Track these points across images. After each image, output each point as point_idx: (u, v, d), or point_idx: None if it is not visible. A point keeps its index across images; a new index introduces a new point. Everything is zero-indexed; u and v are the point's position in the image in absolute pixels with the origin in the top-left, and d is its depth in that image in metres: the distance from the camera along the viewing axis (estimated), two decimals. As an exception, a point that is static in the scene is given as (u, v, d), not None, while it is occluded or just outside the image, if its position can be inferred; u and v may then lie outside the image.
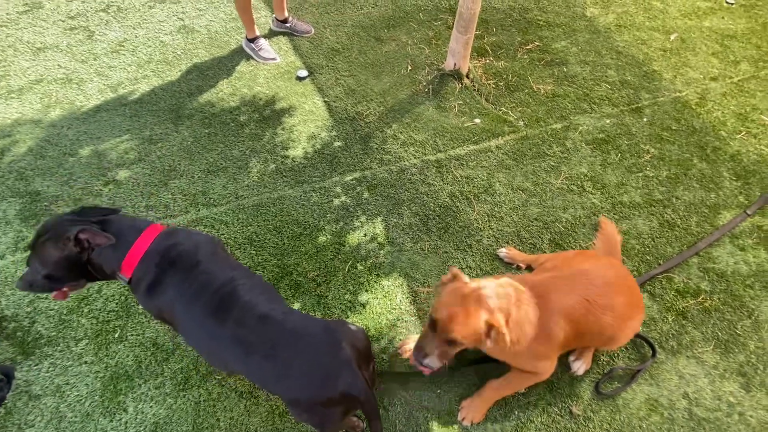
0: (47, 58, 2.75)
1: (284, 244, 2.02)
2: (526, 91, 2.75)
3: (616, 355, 1.74)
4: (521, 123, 2.56)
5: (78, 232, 1.18)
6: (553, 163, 2.36)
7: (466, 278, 1.31)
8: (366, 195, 2.21)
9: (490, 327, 1.22)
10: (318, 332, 1.17)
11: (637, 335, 1.75)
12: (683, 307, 1.86)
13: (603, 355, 1.74)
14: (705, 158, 2.41)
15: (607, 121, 2.57)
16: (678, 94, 2.74)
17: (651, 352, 1.73)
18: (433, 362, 1.28)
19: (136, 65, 2.75)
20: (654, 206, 2.19)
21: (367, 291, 1.89)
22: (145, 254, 1.22)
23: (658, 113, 2.63)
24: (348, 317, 1.81)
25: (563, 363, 1.69)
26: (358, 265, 1.96)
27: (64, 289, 1.27)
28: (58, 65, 2.71)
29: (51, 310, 1.76)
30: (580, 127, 2.54)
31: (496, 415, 1.59)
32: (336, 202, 2.18)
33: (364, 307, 1.84)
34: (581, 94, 2.73)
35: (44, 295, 1.79)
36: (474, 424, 1.57)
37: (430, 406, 1.61)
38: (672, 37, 3.13)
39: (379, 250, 2.01)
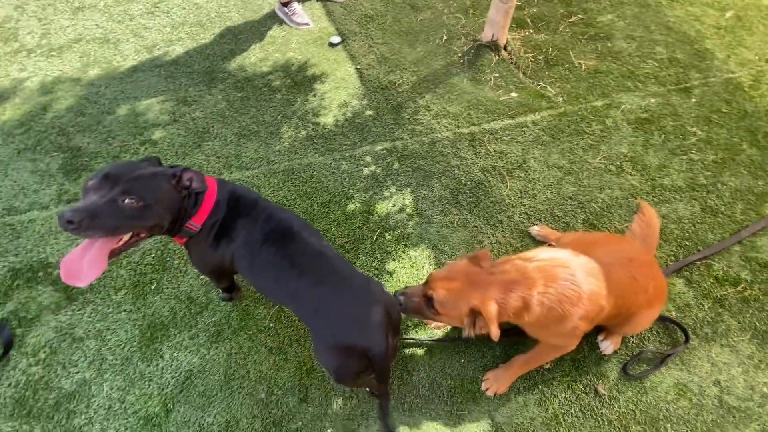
0: (86, 17, 2.78)
1: (314, 210, 2.03)
2: (567, 66, 2.63)
3: (646, 337, 1.71)
4: (560, 99, 2.46)
5: (182, 171, 1.13)
6: (591, 142, 2.27)
7: (489, 264, 1.24)
8: (396, 165, 2.19)
9: (475, 313, 1.18)
10: (363, 284, 1.21)
11: (671, 320, 1.71)
12: (721, 295, 1.79)
13: (633, 337, 1.70)
14: (755, 144, 2.27)
15: (652, 101, 2.44)
16: (730, 75, 2.57)
17: (683, 337, 1.69)
18: (401, 300, 1.30)
19: (171, 27, 2.75)
20: (697, 191, 2.10)
21: (394, 260, 1.89)
22: (216, 200, 1.26)
23: (708, 94, 2.47)
24: (375, 284, 1.83)
25: (591, 341, 1.67)
26: (386, 234, 1.96)
27: (126, 239, 1.11)
28: (96, 25, 2.73)
29: (92, 260, 1.84)
30: (623, 106, 2.42)
31: (519, 387, 1.60)
32: (366, 171, 2.17)
33: (391, 275, 1.85)
34: (626, 71, 2.59)
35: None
36: (497, 395, 1.58)
37: (454, 374, 1.63)
38: (727, 15, 2.91)
39: (407, 221, 2.00)
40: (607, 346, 1.65)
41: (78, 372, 1.60)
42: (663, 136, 2.29)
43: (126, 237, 1.11)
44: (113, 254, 1.10)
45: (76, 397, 1.55)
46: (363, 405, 1.56)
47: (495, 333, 1.16)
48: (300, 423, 1.52)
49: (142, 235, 1.15)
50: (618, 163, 2.19)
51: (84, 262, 1.05)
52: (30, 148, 2.17)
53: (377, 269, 1.86)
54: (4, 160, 2.13)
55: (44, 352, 1.63)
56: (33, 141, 2.20)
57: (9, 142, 2.19)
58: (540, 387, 1.60)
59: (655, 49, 2.69)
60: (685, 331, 1.69)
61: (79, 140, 2.22)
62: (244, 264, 1.28)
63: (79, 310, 1.72)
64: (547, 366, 1.64)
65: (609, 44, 2.72)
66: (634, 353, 1.66)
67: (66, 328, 1.69)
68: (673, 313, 1.76)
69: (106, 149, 2.19)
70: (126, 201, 1.05)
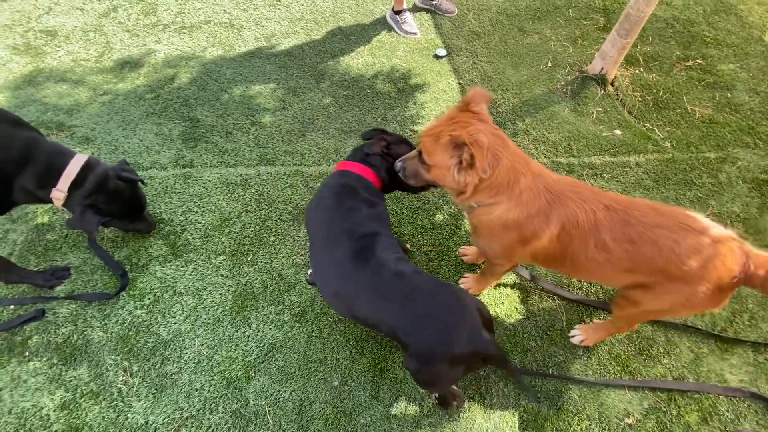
0: (216, 2, 3.03)
1: (402, 213, 2.07)
2: (679, 111, 2.50)
3: (743, 415, 1.58)
4: (668, 144, 2.35)
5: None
6: (700, 194, 2.14)
7: (481, 109, 1.19)
8: (488, 184, 2.18)
9: (460, 144, 1.11)
10: (449, 294, 1.22)
11: (763, 398, 1.57)
12: (837, 387, 1.62)
13: (728, 411, 1.58)
14: None
15: (774, 162, 2.27)
16: None
17: (784, 423, 1.54)
18: (400, 165, 1.38)
19: (289, 20, 2.93)
20: (818, 267, 1.91)
21: (476, 278, 1.88)
22: None
23: (841, 165, 2.26)
24: (454, 298, 1.83)
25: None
26: (471, 250, 1.96)
27: None
28: (224, 10, 2.98)
29: (199, 223, 2.00)
30: (739, 162, 2.26)
31: (595, 428, 1.53)
32: (457, 184, 2.18)
33: (472, 292, 1.85)
34: (745, 125, 2.43)
35: (195, 208, 2.03)
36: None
37: (528, 407, 1.59)
38: None
39: (494, 241, 1.99)
40: (576, 334, 1.68)
41: (175, 323, 1.73)
42: (783, 201, 2.12)
43: None
44: None
45: (170, 346, 1.68)
46: (432, 416, 1.56)
47: (481, 165, 1.09)
48: (369, 418, 1.55)
49: None
50: (728, 221, 2.05)
51: None
52: (157, 112, 2.40)
53: (458, 284, 1.86)
54: (134, 119, 2.37)
55: (149, 298, 1.79)
56: (160, 107, 2.43)
57: (140, 104, 2.43)
58: (618, 440, 1.53)
59: (781, 107, 2.50)
60: (788, 417, 1.55)
61: (198, 112, 2.42)
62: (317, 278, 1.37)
63: (182, 267, 1.87)
64: (629, 421, 1.56)
65: (729, 95, 2.57)
66: (728, 430, 1.54)
67: (170, 280, 1.84)
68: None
69: (221, 124, 2.37)
70: None
